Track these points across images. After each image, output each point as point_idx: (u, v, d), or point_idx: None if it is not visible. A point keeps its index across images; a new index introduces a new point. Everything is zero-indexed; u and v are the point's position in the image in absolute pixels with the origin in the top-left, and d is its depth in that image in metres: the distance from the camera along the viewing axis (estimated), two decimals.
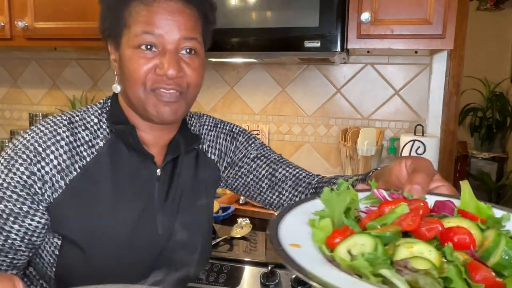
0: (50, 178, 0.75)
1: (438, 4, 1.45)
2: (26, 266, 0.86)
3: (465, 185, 0.53)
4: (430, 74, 1.90)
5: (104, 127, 0.82)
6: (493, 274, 0.39)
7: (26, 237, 0.74)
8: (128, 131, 0.80)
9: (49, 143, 0.75)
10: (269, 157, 0.98)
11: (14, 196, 0.73)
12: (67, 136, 0.77)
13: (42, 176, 0.74)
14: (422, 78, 1.91)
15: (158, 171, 0.83)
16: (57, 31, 1.85)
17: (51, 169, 0.74)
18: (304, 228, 0.48)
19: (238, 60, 1.99)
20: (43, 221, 0.76)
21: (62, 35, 1.86)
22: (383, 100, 1.96)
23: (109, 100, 0.86)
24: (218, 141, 0.98)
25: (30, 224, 0.74)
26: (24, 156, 0.74)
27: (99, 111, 0.84)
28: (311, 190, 0.92)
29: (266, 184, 0.95)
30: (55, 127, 0.78)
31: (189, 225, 0.86)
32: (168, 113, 0.78)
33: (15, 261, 0.76)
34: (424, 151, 1.69)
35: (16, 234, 0.73)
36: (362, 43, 1.55)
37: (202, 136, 0.97)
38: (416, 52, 1.76)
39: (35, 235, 0.75)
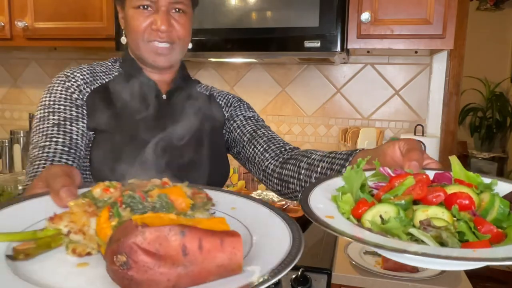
0: (81, 88, 0.99)
1: (438, 4, 1.45)
2: None
3: (453, 159, 0.62)
4: (430, 74, 1.90)
5: (116, 67, 1.08)
6: (494, 226, 0.47)
7: (84, 138, 0.96)
8: (132, 65, 1.05)
9: (73, 70, 1.01)
10: (258, 120, 1.15)
11: (62, 107, 0.96)
12: (87, 67, 1.03)
13: (77, 86, 0.99)
14: (422, 78, 1.91)
15: (164, 96, 1.05)
16: (57, 31, 1.85)
17: (80, 83, 0.99)
18: (329, 203, 0.56)
19: (238, 60, 1.99)
20: (86, 125, 0.98)
21: (62, 35, 1.86)
22: (383, 100, 1.96)
23: (120, 58, 1.12)
24: (227, 96, 1.18)
25: (83, 126, 0.96)
26: (58, 80, 0.99)
27: (112, 60, 1.11)
28: (284, 153, 1.05)
29: (247, 138, 1.10)
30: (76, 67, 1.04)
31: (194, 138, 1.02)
32: (162, 61, 1.00)
33: (81, 161, 0.94)
34: (424, 151, 1.69)
35: (77, 134, 0.95)
36: (362, 43, 1.55)
37: (212, 90, 1.18)
38: (416, 52, 1.76)
39: (86, 136, 0.97)
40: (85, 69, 1.02)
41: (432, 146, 1.72)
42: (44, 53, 2.39)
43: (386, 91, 1.95)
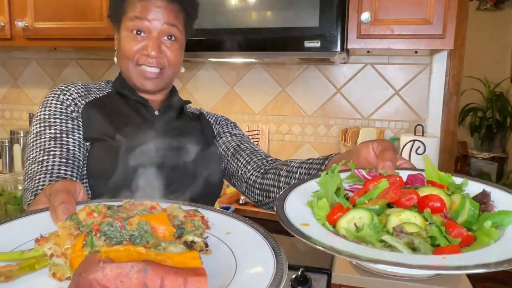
0: (76, 101, 1.01)
1: (438, 4, 1.45)
2: None
3: (426, 159, 0.63)
4: (430, 74, 1.90)
5: (109, 87, 1.10)
6: (465, 229, 0.47)
7: (81, 149, 0.97)
8: (124, 86, 1.07)
9: (68, 84, 1.03)
10: (243, 137, 1.17)
11: (58, 121, 0.97)
12: (81, 84, 1.06)
13: (72, 100, 1.00)
14: (422, 78, 1.91)
15: (156, 112, 1.06)
16: (57, 31, 1.85)
17: (74, 97, 1.02)
18: (305, 208, 0.56)
19: (238, 60, 1.99)
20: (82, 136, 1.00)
21: (62, 35, 1.86)
22: (383, 100, 1.96)
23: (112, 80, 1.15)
24: (216, 115, 1.22)
25: (79, 137, 0.98)
26: (52, 94, 1.01)
27: (105, 81, 1.14)
28: (265, 164, 1.06)
29: (231, 152, 1.12)
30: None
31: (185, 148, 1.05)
32: (150, 85, 1.03)
33: (80, 171, 0.96)
34: (424, 151, 1.69)
35: (73, 145, 0.96)
36: (362, 43, 1.55)
37: (201, 110, 1.21)
38: (416, 52, 1.76)
39: (83, 147, 0.98)
40: (79, 85, 1.05)
41: (432, 146, 1.72)
42: (44, 53, 2.39)
43: (386, 91, 1.95)
